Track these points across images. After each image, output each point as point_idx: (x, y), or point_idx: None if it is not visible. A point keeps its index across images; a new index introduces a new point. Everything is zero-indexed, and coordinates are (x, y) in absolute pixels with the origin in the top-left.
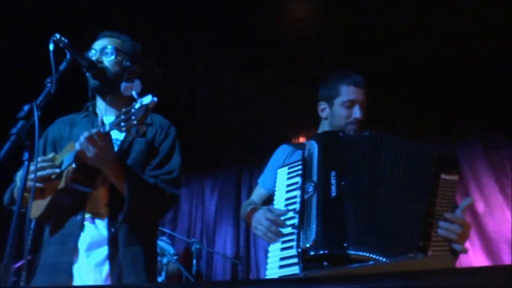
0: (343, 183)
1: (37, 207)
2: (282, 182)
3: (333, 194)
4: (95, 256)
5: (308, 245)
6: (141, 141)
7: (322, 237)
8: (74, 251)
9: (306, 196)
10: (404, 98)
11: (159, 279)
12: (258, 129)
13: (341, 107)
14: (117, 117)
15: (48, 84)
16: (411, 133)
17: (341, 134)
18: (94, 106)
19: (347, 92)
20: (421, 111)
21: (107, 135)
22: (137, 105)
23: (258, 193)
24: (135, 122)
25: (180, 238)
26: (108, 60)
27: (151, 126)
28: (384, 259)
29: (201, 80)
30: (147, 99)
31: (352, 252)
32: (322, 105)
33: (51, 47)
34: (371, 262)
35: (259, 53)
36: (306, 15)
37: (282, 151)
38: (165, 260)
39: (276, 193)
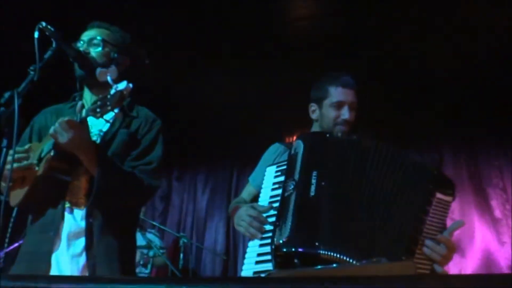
0: (323, 183)
1: (17, 195)
2: (269, 180)
3: (312, 193)
4: (74, 246)
5: (281, 242)
6: (123, 132)
7: (295, 235)
8: (55, 240)
9: (286, 194)
10: (405, 99)
11: (146, 271)
12: (253, 126)
13: (330, 108)
14: (94, 103)
15: (31, 72)
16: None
17: (328, 135)
18: (81, 96)
19: (335, 93)
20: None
21: (82, 121)
22: (112, 91)
23: (247, 191)
24: (109, 108)
25: (170, 232)
26: (95, 51)
27: (136, 119)
28: (354, 262)
29: (197, 77)
30: (122, 85)
31: (323, 252)
32: (313, 106)
33: (36, 34)
34: (334, 265)
35: (255, 51)
36: (306, 14)
37: (274, 150)
38: (151, 253)
39: (262, 190)
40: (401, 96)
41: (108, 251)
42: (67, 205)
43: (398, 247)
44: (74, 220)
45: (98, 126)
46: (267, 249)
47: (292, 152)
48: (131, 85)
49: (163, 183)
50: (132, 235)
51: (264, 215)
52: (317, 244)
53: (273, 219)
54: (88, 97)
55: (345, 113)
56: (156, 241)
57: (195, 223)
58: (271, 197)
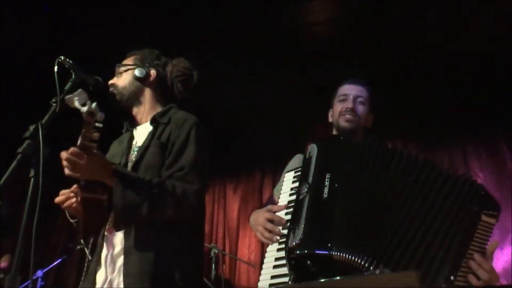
0: (336, 185)
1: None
2: (287, 186)
3: (325, 195)
4: (112, 266)
5: (294, 244)
6: (155, 144)
7: (308, 237)
8: (98, 261)
9: (300, 197)
10: (422, 101)
11: None
12: (280, 132)
13: (337, 103)
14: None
15: (53, 104)
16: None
17: (342, 138)
18: (130, 120)
19: (341, 90)
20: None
21: (82, 147)
22: (84, 116)
23: (271, 201)
24: (90, 124)
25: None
26: (121, 80)
27: (167, 125)
28: (367, 264)
29: (224, 85)
30: (85, 108)
31: (335, 253)
32: (330, 112)
33: (55, 68)
34: (337, 277)
35: (281, 59)
36: (325, 18)
37: (295, 161)
38: None
39: (280, 196)
40: (419, 98)
41: (141, 269)
42: (109, 225)
43: (445, 266)
44: (115, 240)
45: (138, 142)
46: (283, 253)
47: (307, 156)
48: (94, 104)
49: None
50: (170, 247)
51: (282, 217)
52: (329, 245)
53: (288, 223)
54: (133, 118)
55: (349, 102)
56: None
57: (227, 233)
58: (289, 202)
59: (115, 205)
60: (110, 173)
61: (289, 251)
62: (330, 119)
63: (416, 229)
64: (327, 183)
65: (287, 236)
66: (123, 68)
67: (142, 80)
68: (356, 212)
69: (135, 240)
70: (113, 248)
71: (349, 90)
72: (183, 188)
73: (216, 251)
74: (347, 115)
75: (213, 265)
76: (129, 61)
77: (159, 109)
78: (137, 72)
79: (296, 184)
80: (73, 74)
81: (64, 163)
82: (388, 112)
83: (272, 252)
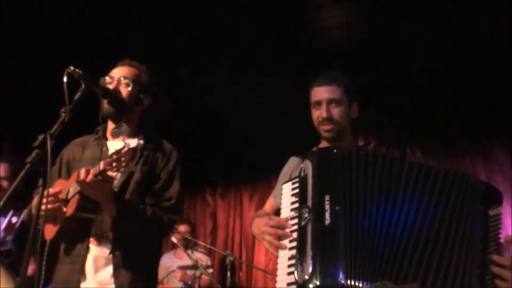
0: (337, 208)
1: (50, 231)
2: (286, 198)
3: (327, 221)
4: (101, 276)
5: (306, 278)
6: (142, 169)
7: (318, 270)
8: (82, 271)
9: (302, 223)
10: (437, 105)
11: None
12: (296, 138)
13: (313, 110)
14: (109, 157)
15: (63, 114)
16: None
17: (335, 150)
18: (105, 129)
19: (312, 94)
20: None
21: (101, 173)
22: (125, 149)
23: (269, 204)
24: (124, 164)
25: (217, 250)
26: (124, 91)
27: (153, 151)
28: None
29: (238, 91)
30: (134, 142)
31: (347, 284)
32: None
33: (65, 79)
34: None
35: (296, 65)
36: (339, 23)
37: (290, 164)
38: (198, 273)
39: (282, 209)
40: (434, 103)
41: (133, 280)
42: (93, 238)
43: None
44: (101, 251)
45: None
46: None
47: (302, 174)
48: (142, 141)
49: (211, 201)
50: (155, 263)
51: (287, 240)
52: (339, 277)
53: (293, 243)
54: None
55: (322, 111)
56: (204, 260)
57: (243, 240)
58: (291, 218)
59: (118, 233)
60: (112, 200)
61: (301, 285)
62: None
63: (432, 246)
64: (327, 207)
65: (295, 266)
66: (126, 82)
67: (140, 102)
68: (361, 237)
69: (122, 254)
70: (98, 260)
71: (321, 95)
72: (169, 218)
73: (232, 259)
74: (324, 126)
75: (228, 273)
76: (131, 73)
77: (137, 131)
78: (141, 95)
79: (296, 198)
80: (83, 84)
81: (77, 180)
82: (402, 116)
83: (284, 257)
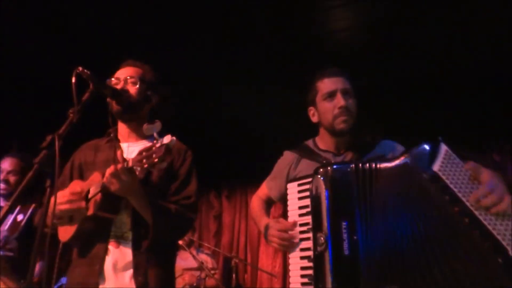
0: (355, 237)
1: (66, 232)
2: (293, 200)
3: (346, 252)
4: (121, 278)
5: None
6: (160, 168)
7: None
8: (100, 273)
9: (318, 249)
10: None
11: None
12: (302, 140)
13: (324, 102)
14: (139, 153)
15: (71, 115)
16: None
17: (350, 167)
18: (116, 131)
19: (323, 85)
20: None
21: (130, 170)
22: (158, 145)
23: (264, 193)
24: (156, 160)
25: (222, 252)
26: (132, 89)
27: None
28: None
29: (244, 93)
30: (167, 138)
31: None
32: (311, 110)
33: (73, 79)
34: None
35: (304, 66)
36: (345, 26)
37: (286, 159)
38: (204, 275)
39: (289, 211)
40: (443, 106)
41: (156, 282)
42: (112, 239)
43: None
44: (121, 253)
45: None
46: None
47: (314, 191)
48: (174, 138)
49: (216, 203)
50: (173, 264)
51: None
52: None
53: (307, 271)
54: (124, 132)
55: (340, 100)
56: (209, 262)
57: (249, 242)
58: (300, 224)
59: (156, 228)
60: (142, 196)
61: None
62: (314, 119)
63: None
64: (345, 236)
65: None
66: (133, 80)
67: (148, 100)
68: (380, 268)
69: (145, 255)
70: (117, 262)
71: (335, 85)
72: (189, 217)
73: (237, 261)
74: (343, 116)
75: (233, 275)
76: (136, 72)
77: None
78: (149, 93)
79: (303, 200)
80: (91, 84)
81: (107, 175)
82: (408, 117)
83: (295, 259)
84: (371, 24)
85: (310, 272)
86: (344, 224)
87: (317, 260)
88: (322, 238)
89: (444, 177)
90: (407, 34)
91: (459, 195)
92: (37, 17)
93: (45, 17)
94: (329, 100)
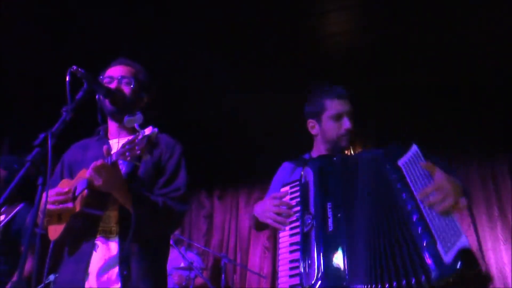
0: (339, 215)
1: (55, 231)
2: (286, 200)
3: (330, 228)
4: (108, 274)
5: (312, 282)
6: (147, 162)
7: (323, 275)
8: (87, 269)
9: (305, 229)
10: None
11: None
12: (295, 143)
13: (330, 121)
14: (122, 147)
15: (64, 113)
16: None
17: (335, 158)
18: (106, 129)
19: (332, 105)
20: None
21: (113, 164)
22: (140, 137)
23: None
24: (138, 152)
25: (212, 252)
26: (127, 89)
27: (157, 145)
28: None
29: (237, 94)
30: (149, 130)
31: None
32: (311, 122)
33: (67, 78)
34: None
35: (303, 70)
36: (343, 29)
37: (283, 169)
38: (193, 274)
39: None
40: (440, 110)
41: (143, 276)
42: (100, 235)
43: None
44: (108, 248)
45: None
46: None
47: (303, 180)
48: (156, 129)
49: (207, 203)
50: (164, 259)
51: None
52: (344, 283)
53: (295, 246)
54: (114, 130)
55: (346, 123)
56: (197, 261)
57: (239, 242)
58: (292, 221)
59: (137, 222)
60: (125, 190)
61: None
62: (313, 131)
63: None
64: (330, 214)
65: (300, 271)
66: (127, 80)
67: (141, 99)
68: (362, 242)
69: (131, 250)
70: (104, 258)
71: (343, 108)
72: (179, 209)
73: (227, 261)
74: (347, 137)
75: (223, 275)
76: (130, 72)
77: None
78: (142, 93)
79: (294, 202)
80: (85, 83)
81: (90, 169)
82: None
83: (285, 237)
84: (369, 27)
85: (298, 251)
86: (328, 204)
87: (304, 238)
88: (308, 219)
89: (404, 170)
90: (405, 38)
91: (412, 187)
92: (29, 16)
93: (37, 15)
94: (336, 120)
